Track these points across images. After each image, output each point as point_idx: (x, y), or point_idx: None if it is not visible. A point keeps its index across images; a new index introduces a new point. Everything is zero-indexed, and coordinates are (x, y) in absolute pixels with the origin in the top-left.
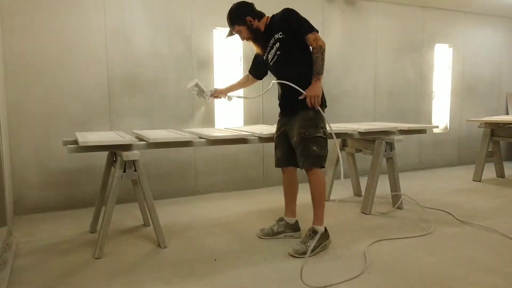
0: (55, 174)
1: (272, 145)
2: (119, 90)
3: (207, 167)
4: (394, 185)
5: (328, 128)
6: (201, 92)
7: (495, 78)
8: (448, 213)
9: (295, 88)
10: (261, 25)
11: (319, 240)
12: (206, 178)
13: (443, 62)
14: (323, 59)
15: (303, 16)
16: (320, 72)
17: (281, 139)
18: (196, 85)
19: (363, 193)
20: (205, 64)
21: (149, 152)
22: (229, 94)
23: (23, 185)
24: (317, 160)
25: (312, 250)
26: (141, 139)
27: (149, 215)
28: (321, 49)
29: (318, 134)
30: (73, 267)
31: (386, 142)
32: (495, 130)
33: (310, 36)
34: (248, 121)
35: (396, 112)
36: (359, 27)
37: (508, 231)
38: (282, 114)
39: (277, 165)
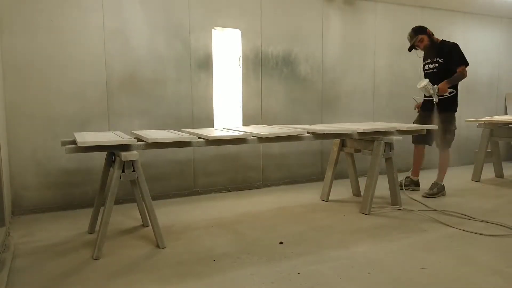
0: (54, 175)
1: (271, 145)
2: (117, 90)
3: (206, 167)
4: (393, 186)
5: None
6: (433, 91)
7: (494, 78)
8: (448, 212)
9: (441, 95)
10: (434, 40)
11: (437, 189)
12: (205, 179)
13: None
14: (460, 79)
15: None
16: (452, 82)
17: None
18: (428, 84)
19: (362, 194)
20: (204, 64)
21: (148, 153)
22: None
23: (21, 186)
24: (449, 144)
25: (435, 194)
26: (139, 140)
27: (147, 216)
28: (462, 75)
29: (452, 128)
30: (71, 268)
31: (385, 142)
32: (494, 130)
33: (460, 67)
34: (247, 121)
35: (395, 112)
36: (358, 27)
37: (507, 231)
38: (425, 108)
39: (413, 142)
